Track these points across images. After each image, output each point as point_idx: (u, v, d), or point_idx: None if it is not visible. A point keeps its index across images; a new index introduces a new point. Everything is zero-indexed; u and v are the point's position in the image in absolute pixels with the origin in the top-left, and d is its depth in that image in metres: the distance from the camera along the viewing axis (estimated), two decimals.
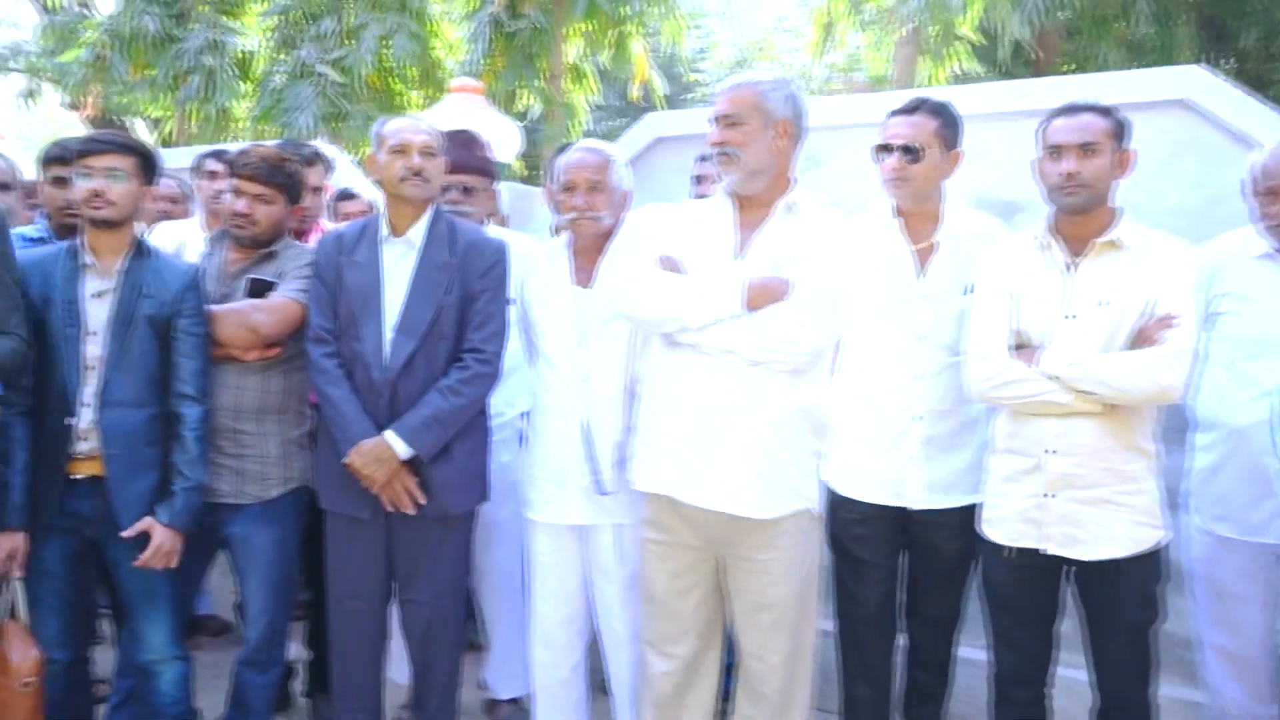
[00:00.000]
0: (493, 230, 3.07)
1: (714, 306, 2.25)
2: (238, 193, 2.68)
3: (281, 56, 9.74)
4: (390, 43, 9.39)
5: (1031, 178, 2.37)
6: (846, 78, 14.58)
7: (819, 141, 2.77)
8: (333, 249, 2.67)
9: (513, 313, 2.76)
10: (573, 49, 10.08)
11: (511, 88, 9.34)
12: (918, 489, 2.51)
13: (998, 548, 2.35)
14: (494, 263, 2.66)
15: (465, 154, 3.11)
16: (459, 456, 2.62)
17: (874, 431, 2.54)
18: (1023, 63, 11.01)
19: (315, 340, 2.61)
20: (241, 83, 9.58)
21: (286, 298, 2.65)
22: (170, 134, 10.62)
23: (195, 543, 2.62)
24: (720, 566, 2.42)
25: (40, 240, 3.00)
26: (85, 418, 2.43)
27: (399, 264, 2.63)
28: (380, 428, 2.54)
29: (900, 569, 2.64)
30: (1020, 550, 2.30)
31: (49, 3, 11.36)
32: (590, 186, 2.61)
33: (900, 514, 2.54)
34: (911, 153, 2.46)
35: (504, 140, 4.07)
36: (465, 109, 5.72)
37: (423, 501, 2.57)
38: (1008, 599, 2.39)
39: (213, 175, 3.59)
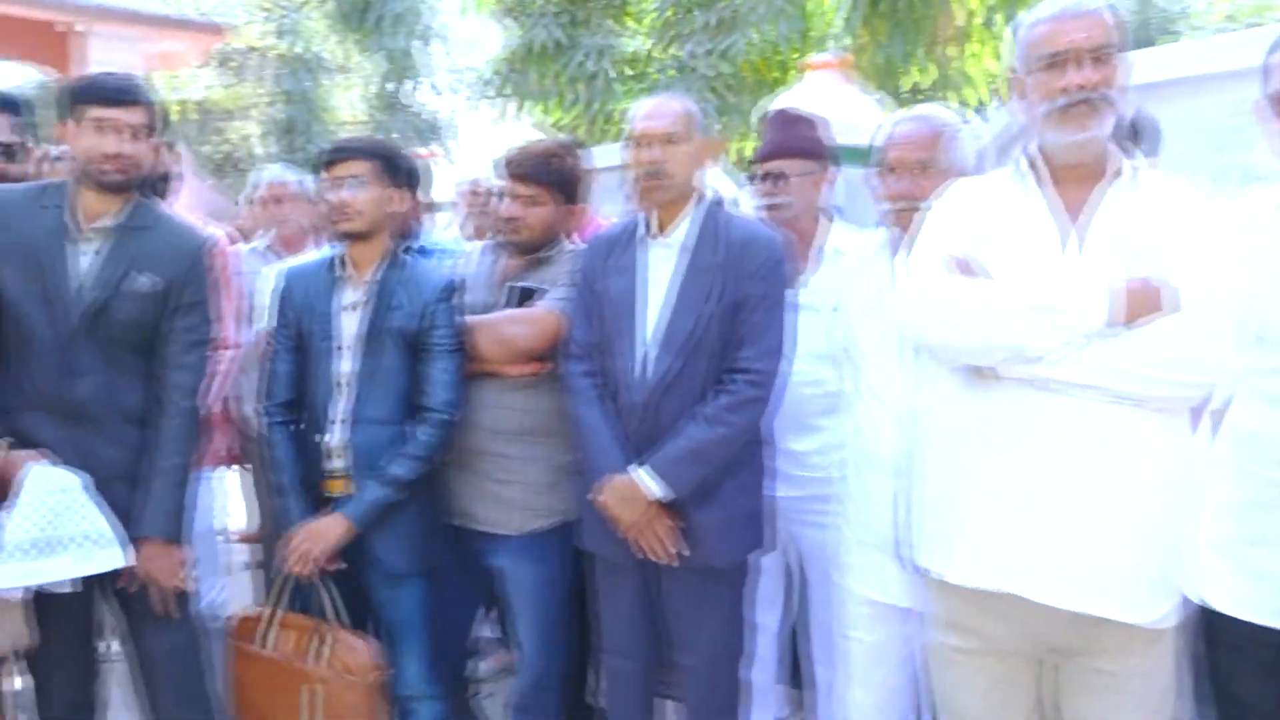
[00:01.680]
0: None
1: (1070, 324, 1.59)
2: (510, 195, 2.46)
3: (665, 54, 9.85)
4: (771, 28, 9.06)
5: None
6: None
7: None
8: (597, 253, 2.34)
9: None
10: (966, 8, 8.94)
11: (888, 59, 8.52)
12: None
13: None
14: (768, 261, 2.17)
15: (783, 134, 2.68)
16: (727, 497, 2.19)
17: (1242, 515, 1.65)
18: None
19: (572, 356, 2.30)
20: (626, 84, 9.83)
21: (547, 308, 2.38)
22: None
23: (460, 573, 2.46)
24: (1045, 673, 1.79)
25: None
26: (336, 435, 2.35)
27: (661, 268, 2.24)
28: (635, 458, 2.17)
29: None
30: None
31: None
32: (918, 167, 2.07)
33: None
34: None
35: (859, 120, 3.52)
36: (821, 89, 5.18)
37: (680, 551, 2.17)
38: None
39: None
